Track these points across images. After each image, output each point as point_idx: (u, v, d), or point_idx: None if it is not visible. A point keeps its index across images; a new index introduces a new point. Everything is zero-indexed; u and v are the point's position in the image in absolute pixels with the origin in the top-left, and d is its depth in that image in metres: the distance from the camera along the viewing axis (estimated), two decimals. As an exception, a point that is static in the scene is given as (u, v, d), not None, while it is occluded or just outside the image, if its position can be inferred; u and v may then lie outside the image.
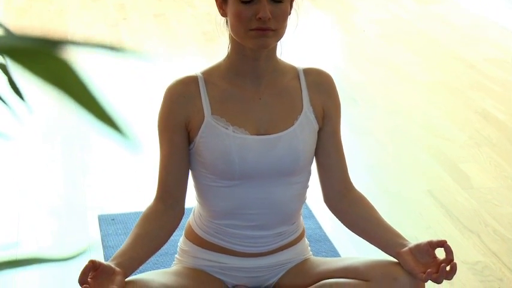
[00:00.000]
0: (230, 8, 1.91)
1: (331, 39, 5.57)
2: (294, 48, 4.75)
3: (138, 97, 4.33)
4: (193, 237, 2.08)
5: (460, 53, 5.01)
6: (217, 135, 1.95)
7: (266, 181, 1.97)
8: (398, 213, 3.03)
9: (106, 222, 2.92)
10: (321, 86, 2.04)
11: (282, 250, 2.08)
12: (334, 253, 2.69)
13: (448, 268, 1.88)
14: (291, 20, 1.96)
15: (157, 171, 2.02)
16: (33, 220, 2.99)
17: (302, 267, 2.09)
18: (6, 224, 2.96)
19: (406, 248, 1.94)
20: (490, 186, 3.26)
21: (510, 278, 2.62)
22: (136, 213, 2.91)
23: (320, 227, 2.87)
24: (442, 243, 1.91)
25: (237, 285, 2.08)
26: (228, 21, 1.94)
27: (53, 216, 3.02)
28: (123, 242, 1.98)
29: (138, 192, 3.18)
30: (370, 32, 5.52)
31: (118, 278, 1.82)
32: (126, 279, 1.86)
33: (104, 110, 0.58)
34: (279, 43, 1.97)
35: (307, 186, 2.07)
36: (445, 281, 1.92)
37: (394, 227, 2.04)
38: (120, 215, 2.97)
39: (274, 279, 2.10)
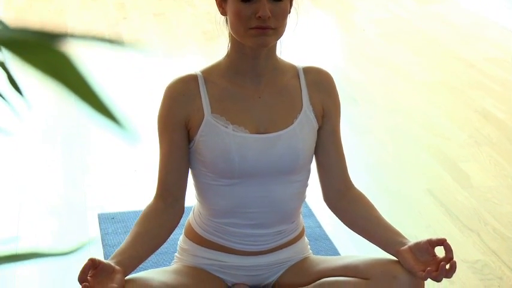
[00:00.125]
0: (230, 7, 1.91)
1: (331, 39, 5.57)
2: (294, 48, 4.75)
3: (137, 91, 4.33)
4: (193, 235, 2.08)
5: (460, 52, 5.01)
6: (217, 134, 1.95)
7: (266, 180, 1.97)
8: (398, 212, 3.03)
9: (106, 220, 2.92)
10: (320, 85, 2.04)
11: (282, 248, 2.07)
12: (334, 252, 2.69)
13: (447, 266, 1.87)
14: (291, 19, 1.96)
15: (157, 169, 2.02)
16: (32, 218, 2.99)
17: (302, 265, 2.09)
18: (6, 220, 2.96)
19: (406, 247, 1.94)
20: (489, 185, 3.26)
21: (510, 276, 2.62)
22: (136, 212, 2.91)
23: (320, 226, 2.87)
24: (442, 242, 1.91)
25: (236, 284, 2.08)
26: (228, 20, 1.94)
27: (52, 215, 3.02)
28: (123, 240, 1.98)
29: (138, 191, 3.18)
30: (370, 32, 5.52)
31: (118, 276, 1.82)
32: (126, 278, 1.86)
33: (102, 102, 0.58)
34: (278, 42, 1.97)
35: (306, 185, 2.07)
36: (444, 280, 1.93)
37: (393, 226, 2.04)
38: (120, 213, 2.97)
39: (274, 278, 2.10)
